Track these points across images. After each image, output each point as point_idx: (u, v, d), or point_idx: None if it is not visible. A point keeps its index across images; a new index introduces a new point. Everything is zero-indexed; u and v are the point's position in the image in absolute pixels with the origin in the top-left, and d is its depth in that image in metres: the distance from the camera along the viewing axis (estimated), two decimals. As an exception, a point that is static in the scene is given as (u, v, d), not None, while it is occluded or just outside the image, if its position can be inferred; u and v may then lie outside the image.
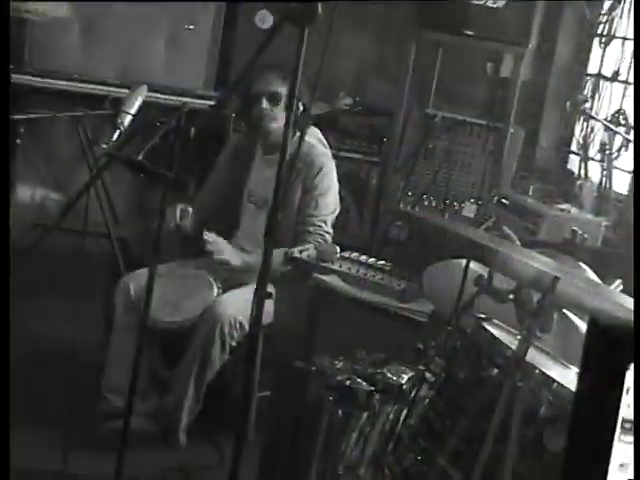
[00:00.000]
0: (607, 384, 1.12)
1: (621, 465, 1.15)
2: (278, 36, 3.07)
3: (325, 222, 4.51)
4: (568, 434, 1.14)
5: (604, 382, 1.12)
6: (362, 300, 3.59)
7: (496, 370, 2.42)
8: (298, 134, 4.32)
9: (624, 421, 1.14)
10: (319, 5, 2.98)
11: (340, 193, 4.68)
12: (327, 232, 4.49)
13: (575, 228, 2.43)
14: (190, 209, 4.49)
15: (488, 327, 2.56)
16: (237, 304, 4.21)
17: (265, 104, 4.45)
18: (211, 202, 4.73)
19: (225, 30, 6.11)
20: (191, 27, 6.04)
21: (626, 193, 5.33)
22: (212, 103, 5.58)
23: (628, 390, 1.13)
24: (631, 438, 1.14)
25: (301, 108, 4.38)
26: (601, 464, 1.13)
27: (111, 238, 5.15)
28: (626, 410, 1.13)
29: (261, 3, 6.00)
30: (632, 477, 1.15)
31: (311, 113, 4.60)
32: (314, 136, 4.63)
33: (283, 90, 4.44)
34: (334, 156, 4.73)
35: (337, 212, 4.61)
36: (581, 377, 1.13)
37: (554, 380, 2.36)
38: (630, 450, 1.14)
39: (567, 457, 1.13)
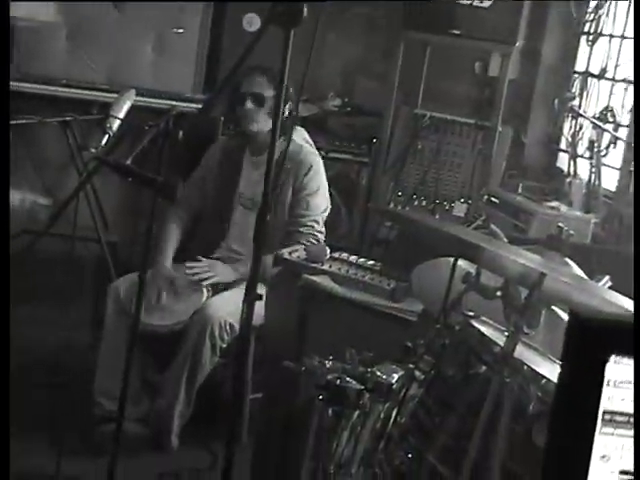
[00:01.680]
0: (587, 376, 1.13)
1: (602, 457, 1.16)
2: (267, 39, 3.08)
3: (317, 222, 4.53)
4: (549, 427, 1.15)
5: (584, 374, 1.13)
6: (352, 300, 3.60)
7: (484, 367, 2.43)
8: (286, 135, 4.36)
9: (604, 413, 1.15)
10: (305, 7, 2.99)
11: (330, 194, 4.69)
12: (319, 232, 4.51)
13: (560, 224, 2.43)
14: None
15: (476, 324, 2.57)
16: (227, 306, 4.21)
17: (249, 105, 4.46)
18: (199, 202, 4.73)
19: (213, 33, 6.11)
20: (180, 30, 6.04)
21: (614, 190, 5.35)
22: (200, 106, 5.58)
23: (608, 382, 1.14)
24: (611, 430, 1.15)
25: (286, 113, 4.39)
26: (582, 456, 1.14)
27: (101, 243, 5.14)
28: (606, 402, 1.14)
29: (248, 6, 5.99)
30: (613, 469, 1.16)
31: (298, 115, 4.61)
32: (300, 136, 4.64)
33: (269, 93, 4.45)
34: (324, 157, 4.74)
35: (328, 211, 4.62)
36: (561, 370, 1.14)
37: (543, 376, 2.36)
38: (611, 442, 1.15)
39: (548, 449, 1.13)
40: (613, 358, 1.14)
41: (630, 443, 1.16)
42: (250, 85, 4.47)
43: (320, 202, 4.56)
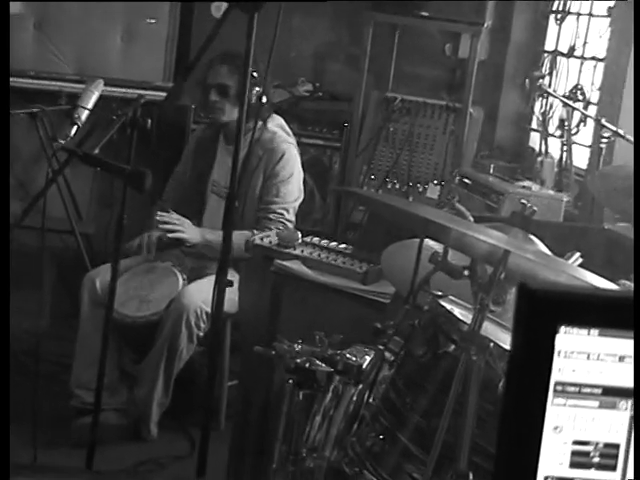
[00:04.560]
0: (537, 347, 1.14)
1: (555, 428, 1.16)
2: (230, 26, 3.08)
3: (287, 210, 4.51)
4: (503, 399, 1.16)
5: (534, 345, 1.14)
6: (325, 284, 3.60)
7: (453, 346, 2.44)
8: (260, 123, 4.38)
9: (556, 384, 1.15)
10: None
11: (304, 179, 4.69)
12: (289, 220, 4.49)
13: (524, 201, 2.44)
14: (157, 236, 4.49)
15: (444, 304, 2.58)
16: (202, 294, 4.21)
17: (214, 96, 4.46)
18: (179, 195, 4.74)
19: (182, 21, 6.10)
20: (152, 21, 6.03)
21: (585, 167, 5.37)
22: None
23: (559, 353, 1.15)
24: (563, 400, 1.15)
25: (253, 99, 4.38)
26: (535, 427, 1.15)
27: (75, 234, 5.13)
28: (557, 373, 1.15)
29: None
30: (566, 439, 1.17)
31: (270, 101, 4.60)
32: (276, 124, 4.63)
33: (231, 82, 4.43)
34: (296, 143, 4.73)
35: (300, 200, 4.61)
36: (512, 341, 1.15)
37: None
38: (563, 412, 1.16)
39: (502, 422, 1.14)
40: (563, 329, 1.15)
41: (582, 413, 1.17)
42: (214, 76, 4.48)
43: (291, 190, 4.54)
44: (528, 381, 1.14)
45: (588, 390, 1.17)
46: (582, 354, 1.16)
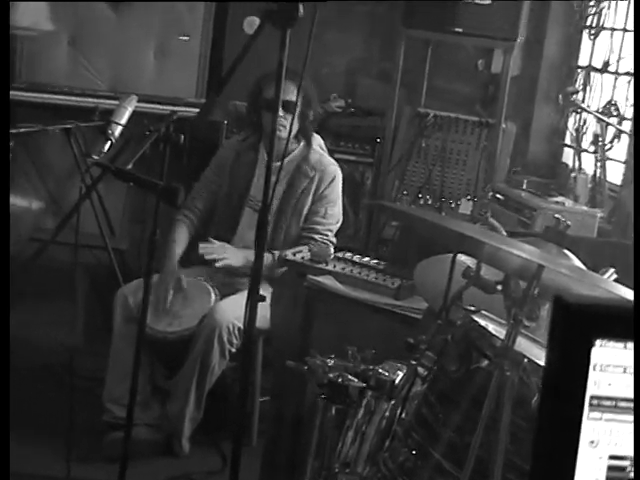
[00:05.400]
0: (573, 361, 1.13)
1: (591, 442, 1.15)
2: (263, 42, 3.09)
3: (331, 231, 4.58)
4: (538, 412, 1.15)
5: (570, 359, 1.12)
6: (357, 299, 3.59)
7: (486, 361, 2.43)
8: (303, 142, 4.44)
9: (592, 398, 1.14)
10: (300, 6, 2.99)
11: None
12: (331, 242, 4.52)
13: (557, 215, 2.42)
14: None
15: (477, 319, 2.57)
16: (235, 310, 4.20)
17: (280, 112, 4.42)
18: (207, 204, 4.72)
19: (214, 37, 6.12)
20: (185, 38, 6.05)
21: (620, 183, 5.33)
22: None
23: (595, 366, 1.14)
24: (599, 414, 1.14)
25: (311, 117, 4.46)
26: (571, 441, 1.13)
27: (108, 250, 5.15)
28: (593, 387, 1.14)
29: (249, 9, 5.98)
30: (602, 454, 1.16)
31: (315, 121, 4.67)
32: (317, 143, 4.66)
33: (295, 98, 4.39)
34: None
35: (340, 223, 4.66)
36: (547, 355, 1.13)
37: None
38: (599, 427, 1.15)
39: (537, 436, 1.13)
40: (599, 342, 1.14)
41: (618, 427, 1.16)
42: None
43: (337, 213, 4.63)
44: (564, 395, 1.13)
45: (624, 404, 1.16)
46: (618, 367, 1.15)
